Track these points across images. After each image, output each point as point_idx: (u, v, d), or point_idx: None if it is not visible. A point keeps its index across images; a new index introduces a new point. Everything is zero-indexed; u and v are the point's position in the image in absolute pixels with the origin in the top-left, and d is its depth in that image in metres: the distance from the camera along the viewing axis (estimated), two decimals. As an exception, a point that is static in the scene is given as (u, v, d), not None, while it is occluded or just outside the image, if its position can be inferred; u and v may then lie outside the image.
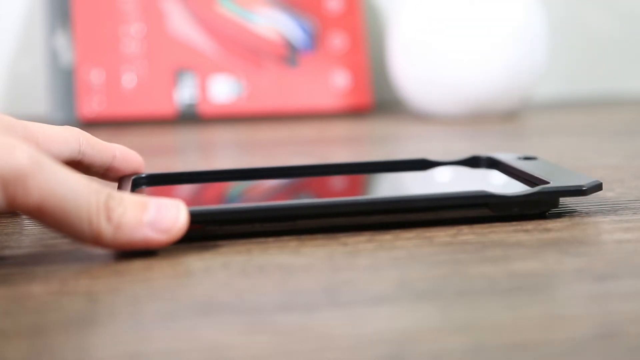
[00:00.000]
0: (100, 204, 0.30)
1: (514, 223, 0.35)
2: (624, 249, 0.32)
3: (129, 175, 0.40)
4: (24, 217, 0.39)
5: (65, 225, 0.30)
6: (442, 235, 0.34)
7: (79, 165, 0.38)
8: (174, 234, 0.32)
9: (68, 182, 0.30)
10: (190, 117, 0.83)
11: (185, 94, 0.83)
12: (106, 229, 0.31)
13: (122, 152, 0.40)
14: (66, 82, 0.82)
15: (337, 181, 0.42)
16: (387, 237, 0.34)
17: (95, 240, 0.31)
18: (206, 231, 0.34)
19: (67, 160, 0.37)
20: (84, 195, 0.30)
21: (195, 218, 0.33)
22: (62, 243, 0.34)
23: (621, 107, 0.89)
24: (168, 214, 0.32)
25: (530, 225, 0.35)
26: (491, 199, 0.35)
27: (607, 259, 0.30)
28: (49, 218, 0.30)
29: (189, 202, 0.39)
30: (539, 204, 0.36)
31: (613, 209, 0.38)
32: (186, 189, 0.41)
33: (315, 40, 0.86)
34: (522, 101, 0.81)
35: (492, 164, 0.43)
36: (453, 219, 0.36)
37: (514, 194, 0.36)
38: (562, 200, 0.38)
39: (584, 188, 0.36)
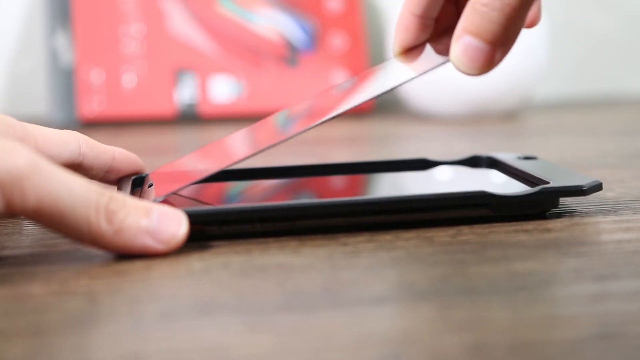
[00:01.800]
0: (100, 205, 0.30)
1: (514, 223, 0.35)
2: (624, 249, 0.32)
3: (129, 176, 0.40)
4: (23, 217, 0.39)
5: (63, 226, 0.30)
6: (442, 235, 0.34)
7: (79, 167, 0.38)
8: (173, 246, 0.32)
9: (65, 183, 0.30)
10: (190, 117, 0.83)
11: (185, 94, 0.83)
12: (106, 231, 0.31)
13: (121, 154, 0.40)
14: (66, 82, 0.82)
15: (337, 181, 0.42)
16: (387, 237, 0.34)
17: (94, 241, 0.31)
18: (206, 231, 0.34)
19: (67, 162, 0.37)
20: (82, 196, 0.30)
21: (195, 219, 0.33)
22: (62, 243, 0.34)
23: (621, 107, 0.89)
24: (169, 225, 0.32)
25: (530, 225, 0.35)
26: (491, 199, 0.35)
27: (607, 259, 0.30)
28: (47, 219, 0.30)
29: (188, 203, 0.39)
30: (539, 204, 0.36)
31: (613, 209, 0.38)
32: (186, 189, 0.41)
33: (315, 40, 0.86)
34: (522, 101, 0.81)
35: (492, 163, 0.43)
36: (453, 219, 0.36)
37: (514, 194, 0.36)
38: (562, 200, 0.38)
39: (584, 188, 0.36)
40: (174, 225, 0.32)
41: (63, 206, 0.30)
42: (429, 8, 0.38)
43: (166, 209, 0.32)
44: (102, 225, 0.30)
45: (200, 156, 0.41)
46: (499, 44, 0.32)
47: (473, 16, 0.32)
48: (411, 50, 0.39)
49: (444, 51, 0.38)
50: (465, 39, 0.32)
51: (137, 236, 0.31)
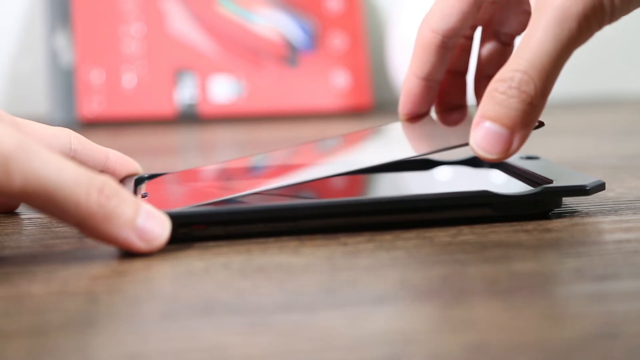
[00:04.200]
0: (92, 187, 0.30)
1: (514, 223, 0.35)
2: (624, 249, 0.32)
3: (131, 176, 0.40)
4: (23, 217, 0.39)
5: (50, 207, 0.30)
6: (442, 235, 0.34)
7: None
8: (154, 247, 0.32)
9: (53, 163, 0.30)
10: (190, 117, 0.83)
11: (185, 94, 0.83)
12: (97, 213, 0.30)
13: (116, 155, 0.40)
14: (66, 82, 0.82)
15: (339, 181, 0.42)
16: (387, 237, 0.34)
17: (81, 222, 0.30)
18: (209, 231, 0.34)
19: None
20: (70, 176, 0.30)
21: (198, 219, 0.33)
22: (62, 243, 0.34)
23: (621, 107, 0.89)
24: (155, 226, 0.32)
25: (530, 225, 0.35)
26: (494, 199, 0.35)
27: (607, 259, 0.30)
28: (35, 200, 0.30)
29: (191, 202, 0.39)
30: (542, 204, 0.36)
31: (613, 209, 0.38)
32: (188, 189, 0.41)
33: (315, 40, 0.86)
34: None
35: (494, 163, 0.43)
36: (453, 219, 0.36)
37: (517, 193, 0.36)
38: (563, 200, 0.38)
39: (587, 188, 0.36)
40: (159, 226, 0.32)
41: (50, 185, 0.29)
42: (433, 71, 0.41)
43: (152, 209, 0.32)
44: (92, 207, 0.30)
45: (199, 176, 0.41)
46: (517, 128, 0.33)
47: (491, 103, 0.34)
48: (419, 119, 0.42)
49: (451, 123, 0.41)
50: (484, 124, 0.34)
51: (124, 228, 0.31)
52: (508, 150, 0.34)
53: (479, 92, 0.43)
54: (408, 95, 0.42)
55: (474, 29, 0.43)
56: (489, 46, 0.43)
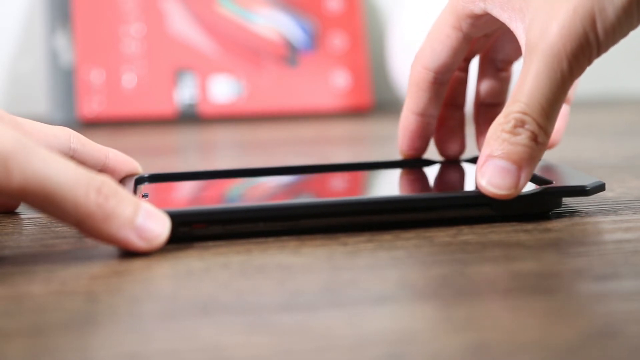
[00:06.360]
0: (91, 187, 0.30)
1: (514, 223, 0.35)
2: (624, 249, 0.32)
3: (131, 176, 0.40)
4: (23, 217, 0.39)
5: (49, 206, 0.30)
6: (442, 235, 0.34)
7: None
8: (155, 246, 0.32)
9: (52, 162, 0.30)
10: (190, 117, 0.83)
11: (185, 94, 0.83)
12: (95, 214, 0.30)
13: (116, 155, 0.40)
14: (66, 82, 0.82)
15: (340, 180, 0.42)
16: (387, 237, 0.34)
17: (80, 222, 0.30)
18: (209, 230, 0.34)
19: None
20: (70, 176, 0.30)
21: (199, 217, 0.33)
22: (62, 243, 0.34)
23: (621, 107, 0.89)
24: (154, 225, 0.32)
25: (530, 225, 0.35)
26: (494, 199, 0.35)
27: (607, 259, 0.30)
28: (33, 199, 0.30)
29: (191, 202, 0.39)
30: (542, 204, 0.36)
31: (613, 209, 0.38)
32: (188, 188, 0.41)
33: (315, 40, 0.86)
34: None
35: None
36: (453, 219, 0.36)
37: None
38: (563, 200, 0.38)
39: (587, 188, 0.36)
40: (159, 225, 0.32)
41: (49, 185, 0.29)
42: (428, 107, 0.42)
43: (152, 208, 0.32)
44: (91, 207, 0.30)
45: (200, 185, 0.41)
46: (524, 164, 0.34)
47: (497, 141, 0.34)
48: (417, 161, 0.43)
49: (448, 152, 0.43)
50: (492, 161, 0.34)
51: (123, 228, 0.31)
52: (517, 186, 0.34)
53: (478, 119, 0.44)
54: (406, 131, 0.43)
55: (467, 61, 0.43)
56: (486, 73, 0.44)
